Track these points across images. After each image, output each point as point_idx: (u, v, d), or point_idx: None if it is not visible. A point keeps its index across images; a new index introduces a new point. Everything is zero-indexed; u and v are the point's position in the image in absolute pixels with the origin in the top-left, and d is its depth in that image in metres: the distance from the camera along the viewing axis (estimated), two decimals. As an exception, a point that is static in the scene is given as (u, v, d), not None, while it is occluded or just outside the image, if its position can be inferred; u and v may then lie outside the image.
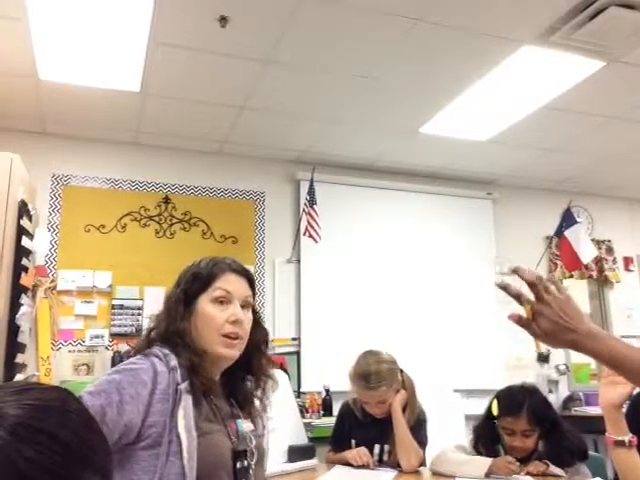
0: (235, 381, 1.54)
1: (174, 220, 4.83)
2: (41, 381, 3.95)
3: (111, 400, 1.24)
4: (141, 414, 1.27)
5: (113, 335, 4.47)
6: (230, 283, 1.49)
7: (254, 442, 1.46)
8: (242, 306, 1.48)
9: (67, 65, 3.59)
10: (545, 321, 1.12)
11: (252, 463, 1.42)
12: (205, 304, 1.46)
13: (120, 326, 4.50)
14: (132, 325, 4.52)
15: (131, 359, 1.38)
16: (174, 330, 1.42)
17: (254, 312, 1.55)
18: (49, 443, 0.62)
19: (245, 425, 1.47)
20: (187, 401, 1.32)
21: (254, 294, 1.56)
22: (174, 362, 1.35)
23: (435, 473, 2.38)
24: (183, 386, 1.33)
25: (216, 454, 1.34)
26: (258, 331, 1.55)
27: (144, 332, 1.52)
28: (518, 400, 2.29)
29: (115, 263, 4.55)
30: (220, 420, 1.42)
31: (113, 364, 4.34)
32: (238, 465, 1.38)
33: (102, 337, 4.44)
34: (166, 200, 4.84)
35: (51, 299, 4.32)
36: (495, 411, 2.33)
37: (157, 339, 1.44)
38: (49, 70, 3.64)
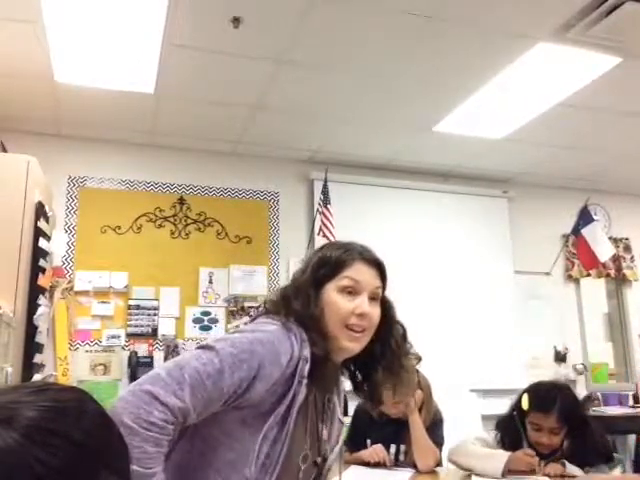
0: (364, 374, 1.48)
1: (189, 221, 4.85)
2: (58, 381, 3.99)
3: (250, 375, 1.20)
4: (264, 392, 1.24)
5: (129, 335, 4.50)
6: (360, 273, 1.40)
7: (326, 452, 1.43)
8: (371, 298, 1.40)
9: (82, 67, 3.62)
10: None
11: (315, 474, 1.40)
12: (332, 292, 1.38)
13: (136, 326, 4.53)
14: (148, 325, 4.55)
15: (271, 326, 1.31)
16: (311, 315, 1.35)
17: (384, 305, 1.46)
18: (63, 445, 0.62)
19: (325, 432, 1.43)
20: (300, 398, 1.28)
21: (385, 286, 1.47)
22: (307, 352, 1.30)
23: (453, 463, 2.36)
24: (305, 382, 1.28)
25: (290, 458, 1.30)
26: (392, 325, 1.48)
27: (279, 295, 1.43)
28: (550, 396, 2.25)
29: (131, 264, 4.58)
30: (309, 419, 1.38)
31: (130, 364, 4.38)
32: (301, 475, 1.34)
33: (119, 337, 4.47)
34: (181, 201, 4.86)
35: (68, 300, 4.36)
36: (525, 405, 2.28)
37: (293, 315, 1.36)
38: (65, 72, 3.67)
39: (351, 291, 1.38)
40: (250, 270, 4.86)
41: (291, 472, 1.31)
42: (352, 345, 1.37)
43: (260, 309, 1.47)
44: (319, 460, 1.41)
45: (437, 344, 4.93)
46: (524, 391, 2.36)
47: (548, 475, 2.18)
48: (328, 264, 1.41)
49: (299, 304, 1.37)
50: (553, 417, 2.21)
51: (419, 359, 1.55)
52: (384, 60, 3.61)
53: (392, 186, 5.33)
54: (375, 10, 3.10)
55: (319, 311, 1.36)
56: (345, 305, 1.37)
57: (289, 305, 1.38)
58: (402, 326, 1.51)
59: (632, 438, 5.13)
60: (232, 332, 1.31)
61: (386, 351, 1.45)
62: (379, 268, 1.45)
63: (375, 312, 1.40)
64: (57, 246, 4.07)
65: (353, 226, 5.04)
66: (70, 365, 4.27)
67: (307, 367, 1.29)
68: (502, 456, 2.21)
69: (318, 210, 4.80)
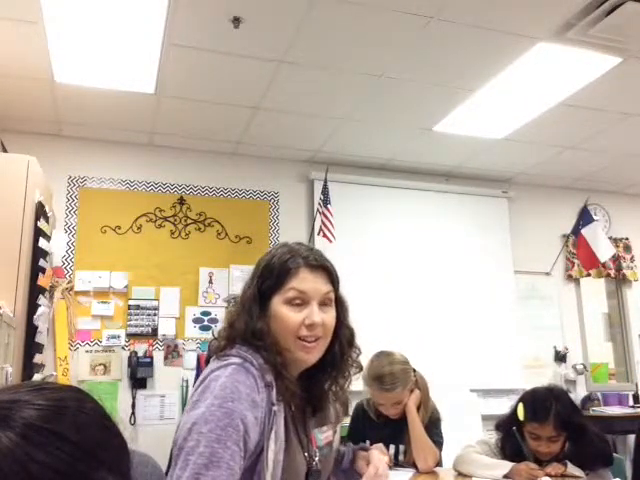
0: (313, 382, 1.41)
1: (189, 221, 4.85)
2: (58, 381, 3.99)
3: (239, 434, 1.17)
4: (258, 435, 1.22)
5: (129, 335, 4.50)
6: (305, 282, 1.34)
7: (327, 453, 1.40)
8: (323, 304, 1.35)
9: (82, 67, 3.62)
10: None
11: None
12: (279, 305, 1.33)
13: (136, 326, 4.53)
14: (148, 325, 4.55)
15: (224, 372, 1.25)
16: (253, 330, 1.31)
17: (339, 306, 1.40)
18: (60, 444, 0.62)
19: (323, 436, 1.40)
20: (279, 424, 1.26)
21: (336, 287, 1.40)
22: (270, 377, 1.26)
23: (457, 472, 2.37)
24: (276, 407, 1.25)
25: (293, 475, 1.29)
26: (340, 328, 1.40)
27: (222, 328, 1.39)
28: (544, 406, 2.23)
29: (131, 264, 4.58)
30: (297, 433, 1.34)
31: (130, 364, 4.38)
32: None
33: (119, 337, 4.47)
34: (181, 201, 4.86)
35: (68, 300, 4.36)
36: (521, 416, 2.27)
37: (237, 337, 1.33)
38: (65, 73, 3.67)
39: (299, 302, 1.33)
40: (250, 270, 4.85)
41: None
42: (308, 356, 1.33)
43: (211, 344, 1.43)
44: (319, 466, 1.38)
45: (437, 344, 4.94)
46: (519, 401, 2.34)
47: (549, 475, 2.18)
48: (272, 274, 1.36)
49: (242, 322, 1.33)
50: (549, 426, 2.20)
51: (360, 368, 1.50)
52: (384, 60, 3.61)
53: (392, 186, 5.33)
54: (376, 10, 3.10)
55: (265, 325, 1.32)
56: (293, 317, 1.32)
57: (234, 325, 1.34)
58: (350, 329, 1.45)
59: (632, 438, 5.13)
60: (193, 407, 1.22)
61: (327, 357, 1.39)
62: (327, 271, 1.38)
63: (328, 318, 1.35)
64: (57, 246, 4.07)
65: (353, 226, 5.05)
66: (70, 365, 4.27)
67: (274, 392, 1.26)
68: (505, 466, 2.21)
69: (318, 210, 4.80)
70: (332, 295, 1.38)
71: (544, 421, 2.20)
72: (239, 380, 1.23)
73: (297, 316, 1.32)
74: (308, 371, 1.39)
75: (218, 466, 1.13)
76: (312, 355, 1.34)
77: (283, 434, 1.26)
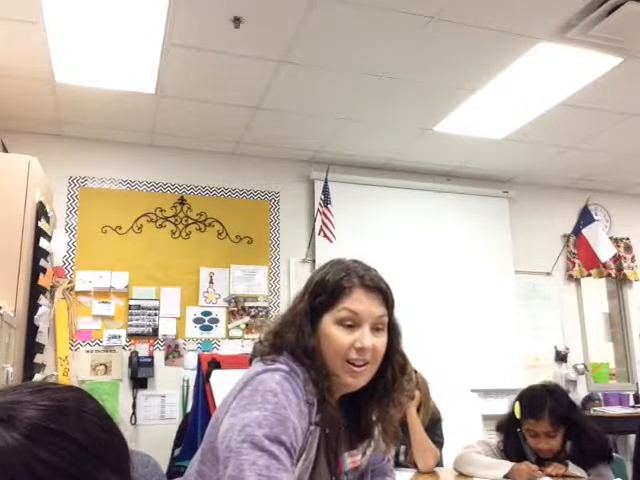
0: (358, 409, 1.36)
1: (190, 221, 4.85)
2: (59, 381, 3.99)
3: (291, 440, 1.15)
4: (299, 447, 1.20)
5: (130, 335, 4.50)
6: (359, 302, 1.29)
7: (353, 478, 1.36)
8: (375, 328, 1.30)
9: (83, 68, 3.62)
10: None
11: None
12: (329, 325, 1.28)
13: (137, 326, 4.53)
14: (149, 325, 4.55)
15: (278, 375, 1.22)
16: (304, 347, 1.26)
17: (391, 331, 1.35)
18: (64, 444, 0.62)
19: (350, 460, 1.35)
20: (312, 445, 1.24)
21: (390, 311, 1.35)
22: (312, 398, 1.23)
23: (457, 472, 2.37)
24: (313, 427, 1.23)
25: None
26: (392, 355, 1.35)
27: (269, 333, 1.35)
28: (539, 402, 2.26)
29: (132, 264, 4.58)
30: (327, 455, 1.30)
31: (130, 364, 4.38)
32: None
33: (119, 337, 4.47)
34: (181, 201, 4.86)
35: (69, 300, 4.37)
36: (518, 414, 2.30)
37: (285, 349, 1.29)
38: (65, 73, 3.68)
39: (350, 323, 1.28)
40: (251, 270, 4.87)
41: None
42: (354, 381, 1.28)
43: (256, 346, 1.41)
44: None
45: (438, 344, 4.94)
46: (515, 399, 2.37)
47: (550, 475, 2.19)
48: (325, 291, 1.31)
49: (292, 335, 1.29)
50: (545, 421, 2.22)
51: (412, 397, 1.45)
52: (385, 60, 3.61)
53: (393, 186, 5.34)
54: (376, 10, 3.10)
55: (315, 343, 1.28)
56: (343, 339, 1.27)
57: (283, 336, 1.31)
58: (403, 356, 1.40)
59: (633, 438, 5.12)
60: (243, 409, 1.17)
61: (378, 384, 1.34)
62: (382, 294, 1.33)
63: (379, 343, 1.30)
64: (58, 246, 4.07)
65: (354, 226, 5.05)
66: (71, 365, 4.28)
67: (314, 411, 1.24)
68: (505, 466, 2.22)
69: (319, 210, 4.80)
70: (385, 319, 1.33)
71: (539, 417, 2.23)
72: (289, 389, 1.20)
73: (347, 338, 1.27)
74: (353, 396, 1.35)
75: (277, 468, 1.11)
76: (359, 380, 1.29)
77: (314, 455, 1.24)
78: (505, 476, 2.19)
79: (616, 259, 5.84)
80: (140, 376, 4.40)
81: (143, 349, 4.49)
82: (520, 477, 2.16)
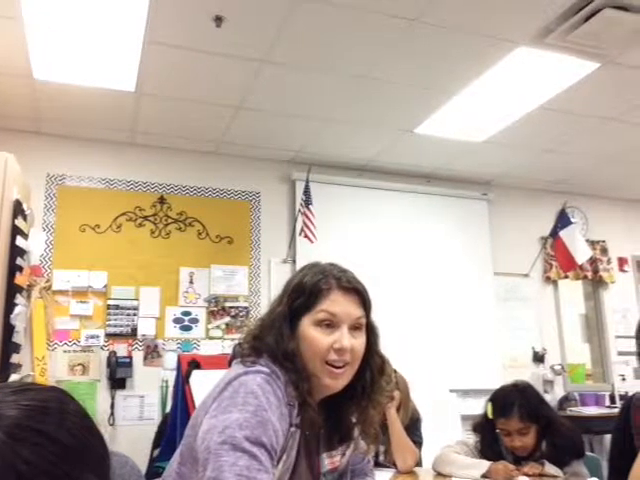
0: (337, 410, 1.37)
1: (169, 220, 4.82)
2: (36, 381, 3.94)
3: (272, 442, 1.15)
4: (279, 449, 1.20)
5: (109, 335, 4.46)
6: (337, 304, 1.30)
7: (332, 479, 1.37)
8: (353, 328, 1.31)
9: (62, 65, 3.58)
10: None
11: None
12: (308, 327, 1.30)
13: (116, 326, 4.49)
14: (128, 325, 4.51)
15: (259, 377, 1.22)
16: (284, 350, 1.27)
17: (369, 332, 1.36)
18: (47, 444, 0.62)
19: (328, 462, 1.36)
20: (292, 447, 1.24)
21: (368, 312, 1.36)
22: (293, 400, 1.24)
23: (436, 472, 2.39)
24: (293, 429, 1.24)
25: None
26: (370, 356, 1.36)
27: (248, 335, 1.36)
28: (509, 400, 2.31)
29: (110, 263, 4.54)
30: (308, 456, 1.31)
31: (109, 364, 4.34)
32: None
33: (97, 337, 4.43)
34: (161, 200, 4.83)
35: (46, 299, 4.31)
36: (490, 414, 2.35)
37: (265, 352, 1.30)
38: (44, 69, 3.63)
39: (329, 324, 1.30)
40: (231, 270, 4.85)
41: None
42: (334, 383, 1.30)
43: (235, 348, 1.41)
44: None
45: (417, 344, 4.97)
46: (488, 400, 2.42)
47: (527, 474, 2.21)
48: (303, 294, 1.32)
49: (272, 338, 1.30)
50: (515, 418, 2.26)
51: (391, 398, 1.45)
52: (366, 61, 3.62)
53: (374, 187, 5.36)
54: (359, 11, 3.11)
55: (294, 346, 1.29)
56: (322, 340, 1.28)
57: (263, 339, 1.32)
58: (382, 357, 1.42)
59: (608, 438, 5.20)
60: (224, 411, 1.17)
61: (357, 386, 1.35)
62: (359, 295, 1.35)
63: (358, 344, 1.31)
64: (35, 245, 4.02)
65: (335, 227, 5.07)
66: (48, 365, 4.22)
67: (295, 412, 1.24)
68: (483, 466, 2.25)
69: (300, 210, 4.80)
70: (363, 320, 1.34)
71: (509, 414, 2.27)
72: (270, 391, 1.21)
73: (326, 339, 1.28)
74: (333, 398, 1.35)
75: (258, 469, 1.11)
76: (338, 382, 1.30)
77: (294, 457, 1.25)
78: (483, 476, 2.21)
79: (592, 261, 5.92)
80: (119, 376, 4.36)
81: (122, 349, 4.45)
82: (497, 476, 2.19)
